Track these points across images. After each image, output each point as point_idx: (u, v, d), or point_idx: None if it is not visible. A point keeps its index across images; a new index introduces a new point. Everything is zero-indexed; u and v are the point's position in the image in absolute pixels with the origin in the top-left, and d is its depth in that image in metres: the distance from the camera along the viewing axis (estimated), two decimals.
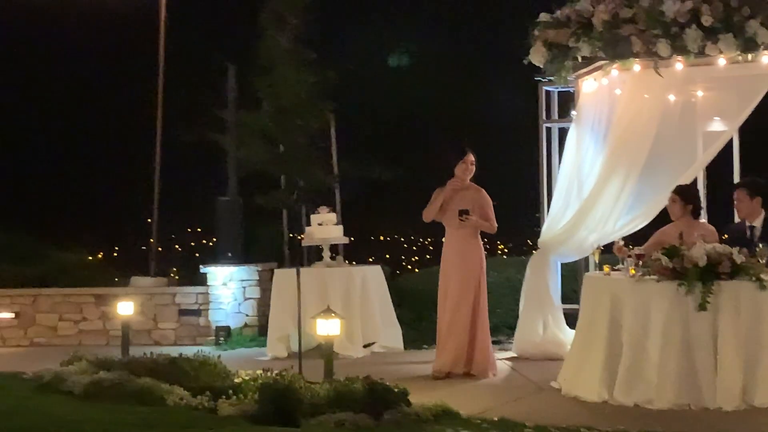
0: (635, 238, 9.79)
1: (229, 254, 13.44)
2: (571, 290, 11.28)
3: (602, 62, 10.23)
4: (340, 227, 12.28)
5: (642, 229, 10.49)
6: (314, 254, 12.88)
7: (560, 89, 11.48)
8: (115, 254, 24.94)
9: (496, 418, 7.58)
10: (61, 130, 26.14)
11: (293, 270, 10.57)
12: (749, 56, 9.69)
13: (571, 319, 10.16)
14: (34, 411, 8.01)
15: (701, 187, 11.03)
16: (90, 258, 18.01)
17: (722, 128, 10.89)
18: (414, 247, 26.23)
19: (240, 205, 13.86)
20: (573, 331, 9.52)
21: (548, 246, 10.98)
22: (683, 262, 7.94)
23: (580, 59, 10.36)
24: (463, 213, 9.81)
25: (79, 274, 14.88)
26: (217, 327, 13.06)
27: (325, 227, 12.11)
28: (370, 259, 15.99)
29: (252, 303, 13.22)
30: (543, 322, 10.93)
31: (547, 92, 11.63)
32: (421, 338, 12.12)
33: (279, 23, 13.86)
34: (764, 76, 9.99)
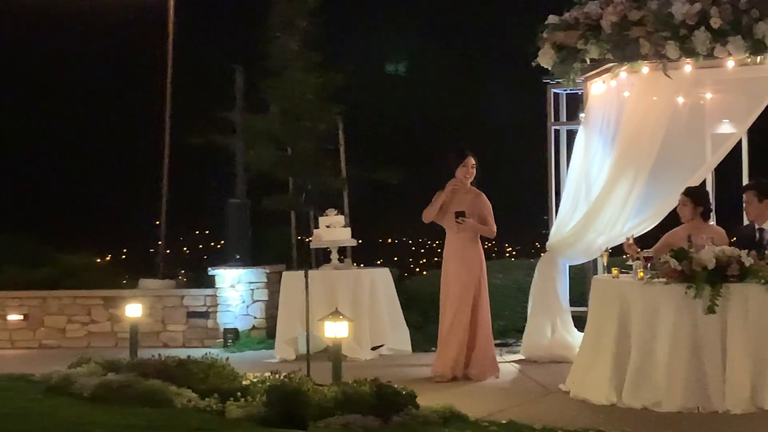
0: (643, 240, 9.78)
1: (238, 256, 13.45)
2: (579, 293, 11.26)
3: (611, 64, 10.21)
4: (348, 229, 12.28)
5: (651, 231, 10.48)
6: (322, 257, 12.88)
7: (568, 91, 11.48)
8: (124, 256, 24.97)
9: (504, 421, 7.58)
10: (69, 133, 26.17)
11: (301, 272, 10.57)
12: (758, 58, 9.66)
13: (580, 322, 10.15)
14: (43, 413, 8.03)
15: (710, 189, 11.01)
16: (98, 260, 18.06)
17: (731, 130, 10.87)
18: (422, 250, 26.22)
19: (248, 207, 13.87)
20: (581, 334, 9.52)
21: (556, 248, 10.97)
22: (692, 264, 7.92)
23: (588, 61, 10.34)
24: (459, 215, 9.81)
25: (87, 276, 14.92)
26: (225, 329, 13.07)
27: (333, 229, 12.11)
28: (378, 262, 16.00)
29: (260, 305, 13.22)
30: (551, 324, 10.91)
31: (556, 94, 11.63)
32: (430, 341, 12.09)
33: (287, 26, 13.88)
34: None
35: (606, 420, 7.73)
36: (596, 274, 10.51)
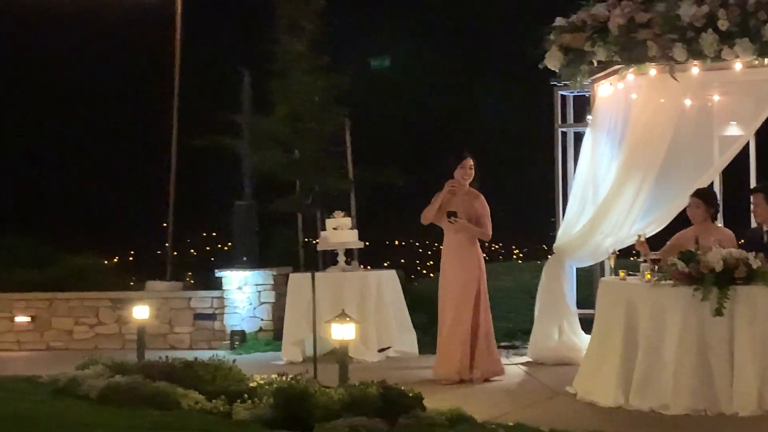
0: (652, 242, 9.75)
1: (245, 258, 13.46)
2: (586, 295, 11.25)
3: (618, 66, 10.20)
4: (355, 232, 12.28)
5: (660, 232, 10.45)
6: (329, 259, 12.88)
7: (576, 94, 11.47)
8: (131, 258, 25.02)
9: (511, 423, 7.57)
10: (76, 134, 26.23)
11: (308, 274, 10.57)
12: (765, 60, 9.65)
13: (587, 324, 10.13)
14: (50, 415, 8.04)
15: (718, 191, 10.98)
16: (106, 262, 18.08)
17: (738, 133, 10.85)
18: (429, 252, 26.22)
19: (255, 209, 13.88)
20: (588, 336, 9.50)
21: (563, 251, 10.96)
22: (699, 267, 7.91)
23: (595, 63, 10.34)
24: (450, 214, 9.84)
25: (94, 278, 14.94)
26: (232, 331, 13.08)
27: (340, 231, 12.11)
28: (385, 264, 16.01)
29: (267, 307, 13.23)
30: (558, 327, 10.90)
31: (563, 97, 11.62)
32: (436, 343, 12.10)
33: (293, 28, 13.89)
34: None
35: (613, 422, 7.73)
36: (603, 276, 10.50)
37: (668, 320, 8.03)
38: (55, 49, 25.26)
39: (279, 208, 14.01)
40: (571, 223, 10.91)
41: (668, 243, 9.33)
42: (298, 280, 11.79)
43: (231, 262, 13.65)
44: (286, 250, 14.45)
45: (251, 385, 8.35)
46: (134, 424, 7.63)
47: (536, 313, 11.05)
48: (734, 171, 11.14)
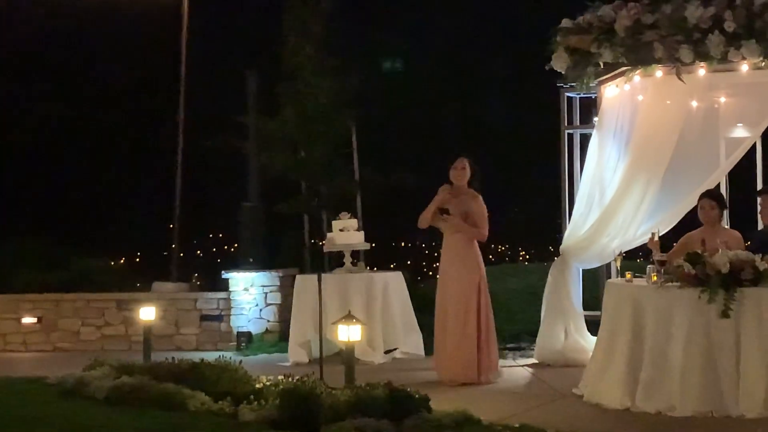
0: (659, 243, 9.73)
1: (251, 260, 13.49)
2: (592, 297, 11.25)
3: (624, 68, 10.19)
4: (362, 233, 12.28)
5: (666, 235, 10.44)
6: (335, 260, 12.90)
7: (582, 95, 11.46)
8: (138, 259, 25.04)
9: (517, 425, 7.56)
10: (83, 136, 26.26)
11: (314, 276, 10.58)
12: None
13: (593, 326, 10.13)
14: (57, 416, 8.06)
15: (724, 193, 10.97)
16: (112, 263, 18.10)
17: (745, 134, 10.84)
18: (435, 254, 26.17)
19: (262, 211, 13.90)
20: (594, 338, 9.49)
21: (570, 252, 10.96)
22: (706, 268, 7.90)
23: (602, 65, 10.33)
24: (443, 212, 9.89)
25: (101, 279, 14.97)
26: (238, 332, 13.10)
27: (346, 233, 12.11)
28: (392, 265, 16.00)
29: (273, 308, 13.24)
30: (564, 328, 10.89)
31: (569, 98, 11.61)
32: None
33: (302, 30, 13.92)
34: None
35: (620, 424, 7.73)
36: (610, 278, 10.49)
37: (675, 322, 8.02)
38: (62, 51, 25.30)
39: (285, 210, 14.05)
40: (578, 224, 10.91)
41: (678, 244, 9.30)
42: (305, 282, 11.80)
43: (237, 263, 13.67)
44: (293, 252, 14.48)
45: (257, 386, 8.36)
46: (141, 425, 7.64)
47: (542, 314, 11.04)
48: (741, 173, 11.12)
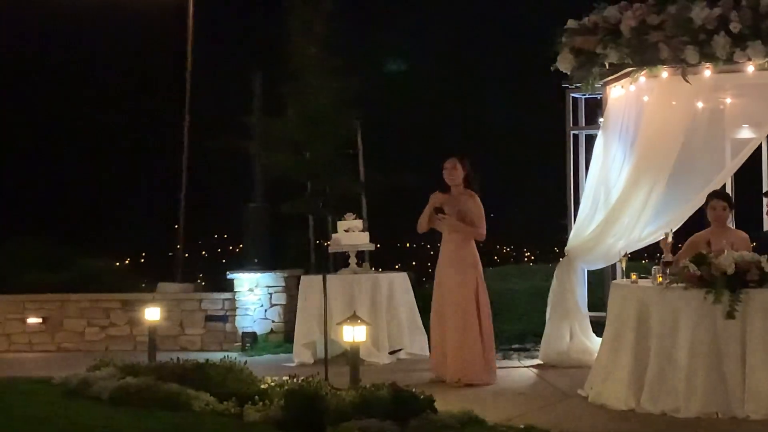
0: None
1: (256, 260, 13.48)
2: (597, 298, 11.24)
3: (630, 69, 10.18)
4: (367, 234, 12.28)
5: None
6: (340, 261, 12.89)
7: (587, 96, 11.46)
8: (142, 260, 25.06)
9: (522, 426, 7.56)
10: (88, 137, 26.29)
11: (319, 276, 10.57)
12: None
13: (598, 327, 10.12)
14: (62, 416, 8.06)
15: (729, 194, 10.96)
16: (117, 264, 18.12)
17: (750, 135, 10.84)
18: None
19: (267, 211, 13.89)
20: (599, 339, 9.48)
21: (575, 253, 10.95)
22: (711, 269, 7.89)
23: (607, 66, 10.33)
24: (438, 211, 9.93)
25: (106, 279, 14.98)
26: (243, 333, 13.10)
27: (351, 234, 12.11)
28: (397, 266, 16.01)
29: (278, 309, 13.24)
30: (570, 329, 10.88)
31: (575, 99, 11.60)
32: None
33: (306, 31, 13.93)
34: None
35: (625, 425, 7.72)
36: (615, 278, 10.48)
37: (680, 323, 8.01)
38: (67, 51, 25.33)
39: (290, 210, 14.04)
40: (583, 225, 10.90)
41: (685, 245, 9.27)
42: (310, 282, 11.80)
43: (242, 264, 13.66)
44: (298, 252, 14.48)
45: (262, 386, 8.36)
46: (145, 425, 7.65)
47: (548, 315, 11.04)
48: (746, 174, 11.11)
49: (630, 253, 9.84)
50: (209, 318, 13.50)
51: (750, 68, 9.68)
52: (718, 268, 7.85)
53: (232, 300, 13.36)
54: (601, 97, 11.07)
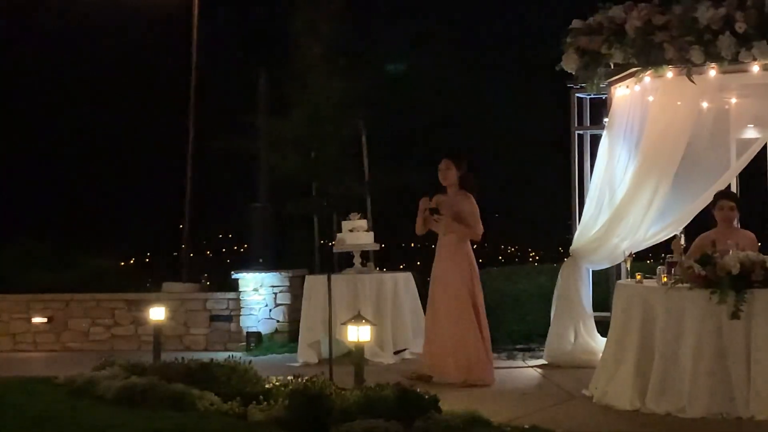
0: (668, 247, 9.72)
1: (261, 260, 13.48)
2: (602, 298, 11.23)
3: (635, 69, 10.17)
4: (371, 234, 12.28)
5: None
6: (345, 261, 12.89)
7: (592, 96, 11.45)
8: (147, 260, 25.08)
9: (527, 426, 7.55)
10: (93, 137, 26.32)
11: (324, 276, 10.58)
12: None
13: (603, 327, 10.12)
14: (66, 416, 8.07)
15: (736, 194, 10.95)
16: (122, 263, 18.14)
17: (756, 135, 10.83)
18: None
19: (271, 211, 13.90)
20: (604, 339, 9.48)
21: (580, 253, 10.94)
22: (716, 270, 7.88)
23: (612, 66, 10.32)
24: (433, 212, 9.95)
25: (111, 279, 15.00)
26: (248, 333, 13.11)
27: (356, 233, 12.11)
28: (401, 266, 15.99)
29: (283, 309, 13.25)
30: (574, 329, 10.88)
31: (579, 99, 11.60)
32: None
33: (312, 31, 13.92)
34: None
35: (629, 425, 7.71)
36: (619, 278, 10.47)
37: (685, 323, 8.00)
38: (71, 52, 25.35)
39: (295, 210, 14.04)
40: (588, 225, 10.89)
41: (693, 245, 9.25)
42: (314, 282, 11.81)
43: (247, 263, 13.67)
44: (302, 252, 14.47)
45: (267, 386, 8.36)
46: (150, 425, 7.65)
47: (552, 315, 11.04)
48: (751, 174, 11.10)
49: (635, 253, 9.83)
50: (214, 318, 13.51)
51: (755, 68, 9.66)
52: (723, 269, 7.83)
53: (237, 300, 13.37)
54: (606, 97, 11.07)
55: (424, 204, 10.07)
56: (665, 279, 8.32)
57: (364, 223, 12.31)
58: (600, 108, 11.44)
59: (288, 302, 13.23)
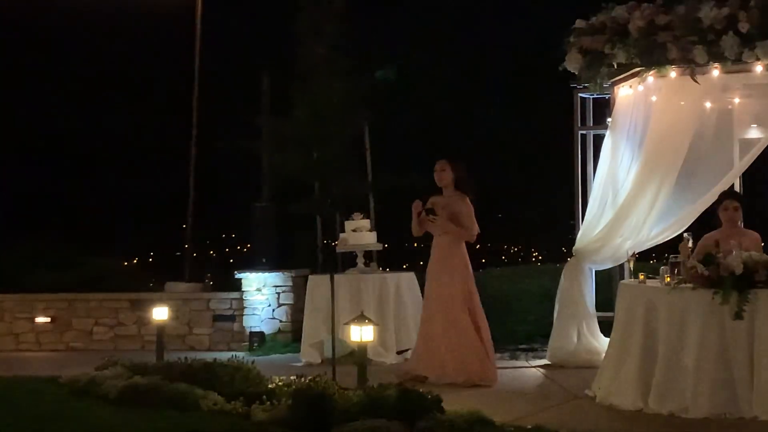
0: (671, 246, 9.71)
1: (264, 260, 13.48)
2: (605, 298, 11.22)
3: (638, 69, 10.17)
4: (374, 234, 12.28)
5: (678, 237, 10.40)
6: (348, 261, 12.89)
7: (595, 96, 11.44)
8: (151, 260, 25.10)
9: (530, 426, 7.55)
10: (97, 137, 26.34)
11: (327, 276, 10.58)
12: None
13: (606, 327, 10.11)
14: (69, 416, 8.08)
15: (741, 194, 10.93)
16: (125, 263, 18.16)
17: (759, 135, 10.80)
18: None
19: (274, 211, 13.89)
20: (607, 339, 9.48)
21: (583, 253, 10.94)
22: (719, 270, 7.87)
23: (615, 66, 10.32)
24: (429, 212, 9.97)
25: (114, 279, 15.00)
26: (251, 332, 13.11)
27: (359, 233, 12.11)
28: (404, 266, 15.99)
29: (286, 309, 13.25)
30: (577, 329, 10.88)
31: (582, 99, 11.59)
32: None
33: (315, 31, 13.92)
34: None
35: (632, 425, 7.71)
36: (623, 279, 10.47)
37: (688, 323, 7.99)
38: (75, 52, 25.37)
39: (298, 210, 14.05)
40: (591, 225, 10.89)
41: (698, 245, 9.23)
42: (317, 282, 11.81)
43: (250, 263, 13.67)
44: (306, 252, 14.47)
45: (270, 386, 8.38)
46: (153, 425, 7.66)
47: (555, 315, 11.03)
48: (754, 174, 11.08)
49: (638, 253, 9.82)
50: (217, 317, 13.52)
51: (758, 68, 9.66)
52: (726, 269, 7.83)
53: (240, 300, 13.38)
54: (609, 97, 11.07)
55: (416, 208, 10.10)
56: (668, 279, 8.32)
57: (367, 223, 12.31)
58: (603, 108, 11.43)
59: (291, 302, 13.23)
